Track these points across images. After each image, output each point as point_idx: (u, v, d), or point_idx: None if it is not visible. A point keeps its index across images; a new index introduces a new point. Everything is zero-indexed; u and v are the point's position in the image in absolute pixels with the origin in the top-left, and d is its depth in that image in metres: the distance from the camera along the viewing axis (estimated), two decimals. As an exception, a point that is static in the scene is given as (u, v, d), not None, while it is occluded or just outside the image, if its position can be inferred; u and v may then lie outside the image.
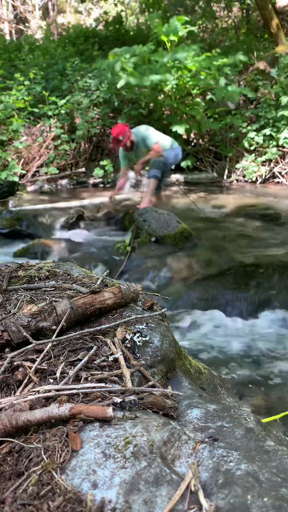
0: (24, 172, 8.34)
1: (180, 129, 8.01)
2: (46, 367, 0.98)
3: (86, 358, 0.98)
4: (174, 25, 8.16)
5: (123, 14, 15.66)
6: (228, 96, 8.20)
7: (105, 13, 15.55)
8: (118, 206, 6.10)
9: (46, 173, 8.30)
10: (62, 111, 8.71)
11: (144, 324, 1.14)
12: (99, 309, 1.19)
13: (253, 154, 8.48)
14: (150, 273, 4.05)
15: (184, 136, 8.82)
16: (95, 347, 1.03)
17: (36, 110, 8.81)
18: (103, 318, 1.20)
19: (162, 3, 13.51)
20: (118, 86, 7.85)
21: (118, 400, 0.85)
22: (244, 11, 14.18)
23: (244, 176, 8.50)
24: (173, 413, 0.89)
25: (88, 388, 0.89)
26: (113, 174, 8.46)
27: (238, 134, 8.61)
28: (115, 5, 15.04)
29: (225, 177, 8.59)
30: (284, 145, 8.14)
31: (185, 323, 3.47)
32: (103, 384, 0.91)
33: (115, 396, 0.88)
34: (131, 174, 8.17)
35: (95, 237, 5.28)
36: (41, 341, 1.05)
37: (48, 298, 1.27)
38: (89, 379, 0.94)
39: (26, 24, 18.48)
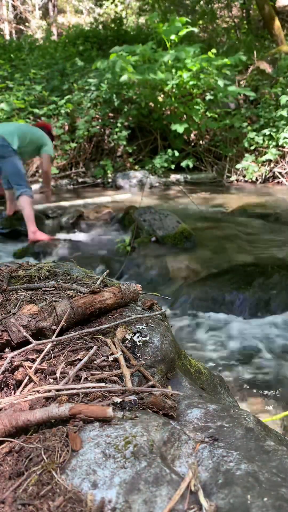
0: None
1: (179, 129, 8.02)
2: (46, 367, 0.98)
3: (86, 358, 0.98)
4: (175, 24, 8.17)
5: (123, 14, 15.65)
6: (227, 95, 8.22)
7: (106, 13, 15.54)
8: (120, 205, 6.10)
9: (46, 173, 8.29)
10: (62, 111, 8.71)
11: (144, 324, 1.14)
12: (99, 309, 1.19)
13: (253, 154, 8.49)
14: (150, 273, 4.05)
15: (185, 136, 8.83)
16: (95, 347, 1.03)
17: (36, 110, 8.81)
18: (103, 318, 1.20)
19: (163, 3, 13.52)
20: (121, 80, 7.85)
21: (118, 400, 0.86)
22: (244, 11, 14.18)
23: (244, 176, 8.51)
24: (173, 413, 0.89)
25: (88, 388, 0.89)
26: (112, 174, 8.46)
27: (238, 134, 8.62)
28: (115, 4, 15.05)
29: (225, 177, 8.60)
30: (284, 145, 8.14)
31: (185, 323, 3.47)
32: (103, 384, 0.91)
33: (115, 396, 0.88)
34: (137, 173, 8.19)
35: (95, 237, 5.28)
36: (41, 341, 1.05)
37: (48, 298, 1.27)
38: (89, 379, 0.94)
39: (26, 24, 18.48)
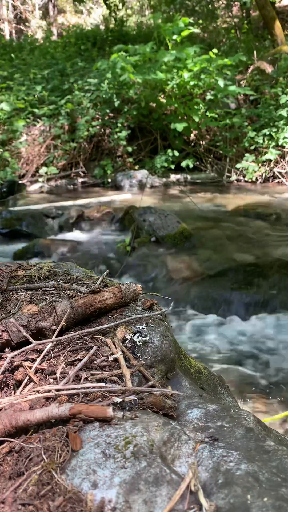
0: (24, 172, 8.34)
1: (179, 127, 8.02)
2: (46, 367, 0.98)
3: (86, 358, 0.98)
4: (178, 24, 8.17)
5: (124, 14, 15.63)
6: (227, 95, 8.24)
7: (107, 18, 15.51)
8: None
9: (46, 173, 8.31)
10: (62, 111, 8.71)
11: (144, 324, 1.14)
12: (99, 309, 1.19)
13: (253, 154, 8.49)
14: (150, 273, 4.05)
15: (184, 137, 8.83)
16: (95, 347, 1.03)
17: (36, 110, 8.82)
18: (103, 318, 1.20)
19: (168, 4, 13.52)
20: (121, 79, 7.87)
21: (118, 400, 0.85)
22: (244, 11, 14.18)
23: (244, 176, 8.50)
24: (173, 413, 0.89)
25: (88, 388, 0.88)
26: (112, 174, 8.46)
27: (238, 134, 8.61)
28: (117, 6, 15.03)
29: (225, 177, 8.59)
30: (284, 144, 8.14)
31: (185, 323, 3.47)
32: (103, 384, 0.91)
33: (115, 396, 0.88)
34: (137, 173, 8.18)
35: (95, 237, 5.28)
36: (41, 341, 1.05)
37: (48, 298, 1.27)
38: (89, 379, 0.94)
39: (26, 24, 18.49)
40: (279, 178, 8.26)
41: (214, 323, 3.43)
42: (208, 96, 8.61)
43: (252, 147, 8.45)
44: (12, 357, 1.01)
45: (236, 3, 14.12)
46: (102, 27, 15.52)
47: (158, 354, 1.06)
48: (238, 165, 8.49)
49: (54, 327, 1.11)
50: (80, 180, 8.55)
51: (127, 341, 1.07)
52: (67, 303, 1.16)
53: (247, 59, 9.46)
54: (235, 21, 14.63)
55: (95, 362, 1.00)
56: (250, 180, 8.36)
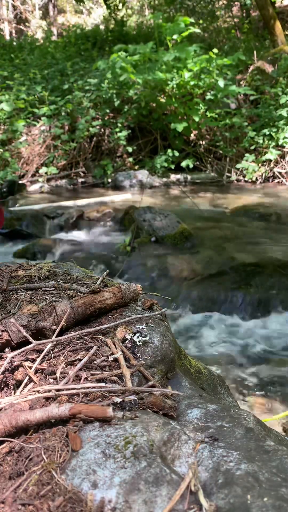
0: (24, 172, 8.34)
1: (179, 127, 8.03)
2: (46, 367, 0.98)
3: (86, 358, 0.98)
4: (178, 24, 8.17)
5: (124, 14, 15.62)
6: (227, 95, 8.25)
7: (107, 18, 15.49)
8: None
9: (46, 173, 8.31)
10: (62, 111, 8.72)
11: (144, 324, 1.14)
12: (99, 309, 1.19)
13: (253, 154, 8.49)
14: (150, 273, 4.05)
15: (184, 137, 8.83)
16: (95, 347, 1.03)
17: (36, 110, 8.82)
18: (103, 318, 1.20)
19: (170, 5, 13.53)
20: (121, 79, 7.88)
21: (118, 400, 0.85)
22: (244, 11, 14.18)
23: (244, 176, 8.50)
24: (173, 413, 0.89)
25: (88, 388, 0.88)
26: (112, 174, 8.47)
27: (238, 134, 8.62)
28: (116, 7, 15.04)
29: (225, 177, 8.59)
30: (284, 144, 8.14)
31: (185, 323, 3.47)
32: (103, 384, 0.91)
33: (115, 396, 0.88)
34: (137, 173, 8.21)
35: (95, 237, 5.28)
36: (41, 341, 1.05)
37: (48, 298, 1.27)
38: (89, 379, 0.94)
39: (26, 24, 18.49)
40: (279, 178, 8.26)
41: (214, 323, 3.43)
42: (208, 96, 8.61)
43: (252, 147, 8.45)
44: (12, 357, 1.01)
45: (236, 3, 14.12)
46: (102, 27, 15.52)
47: (158, 354, 1.06)
48: (238, 165, 8.49)
49: (54, 327, 1.11)
50: (80, 180, 8.55)
51: (127, 341, 1.07)
52: (67, 303, 1.16)
53: (247, 59, 9.46)
54: (235, 21, 14.63)
55: (95, 362, 1.00)
56: (250, 180, 8.36)
